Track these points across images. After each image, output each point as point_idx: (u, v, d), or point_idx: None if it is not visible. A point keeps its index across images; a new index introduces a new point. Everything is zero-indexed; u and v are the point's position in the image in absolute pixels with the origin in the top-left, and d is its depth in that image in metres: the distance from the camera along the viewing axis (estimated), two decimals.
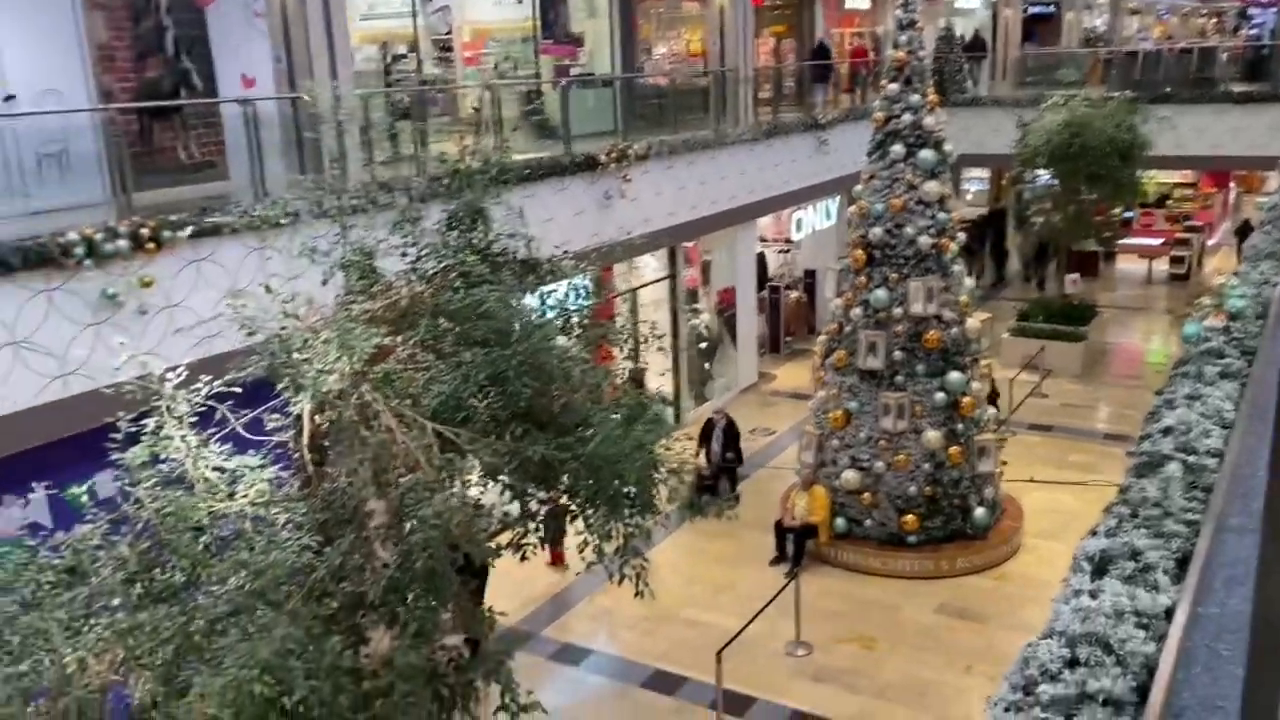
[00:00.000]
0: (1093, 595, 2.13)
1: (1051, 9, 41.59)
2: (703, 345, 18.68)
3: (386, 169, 12.05)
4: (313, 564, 4.19)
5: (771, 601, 11.08)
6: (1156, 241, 28.13)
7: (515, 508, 4.99)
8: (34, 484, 8.40)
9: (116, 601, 4.10)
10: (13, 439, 7.99)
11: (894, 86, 12.33)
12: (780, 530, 12.75)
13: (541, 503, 4.81)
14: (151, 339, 8.84)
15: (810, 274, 22.36)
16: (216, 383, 4.72)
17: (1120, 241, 27.48)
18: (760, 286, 21.60)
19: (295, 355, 4.35)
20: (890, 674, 10.60)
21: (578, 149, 14.27)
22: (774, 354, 21.58)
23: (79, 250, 8.17)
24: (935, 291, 12.17)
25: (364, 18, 20.65)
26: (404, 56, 16.45)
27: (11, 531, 8.15)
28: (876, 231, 12.33)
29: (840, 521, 12.78)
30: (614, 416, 4.79)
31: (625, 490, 4.53)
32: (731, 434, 14.71)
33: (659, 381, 17.58)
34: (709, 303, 19.05)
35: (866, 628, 11.45)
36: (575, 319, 5.88)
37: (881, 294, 12.32)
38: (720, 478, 14.53)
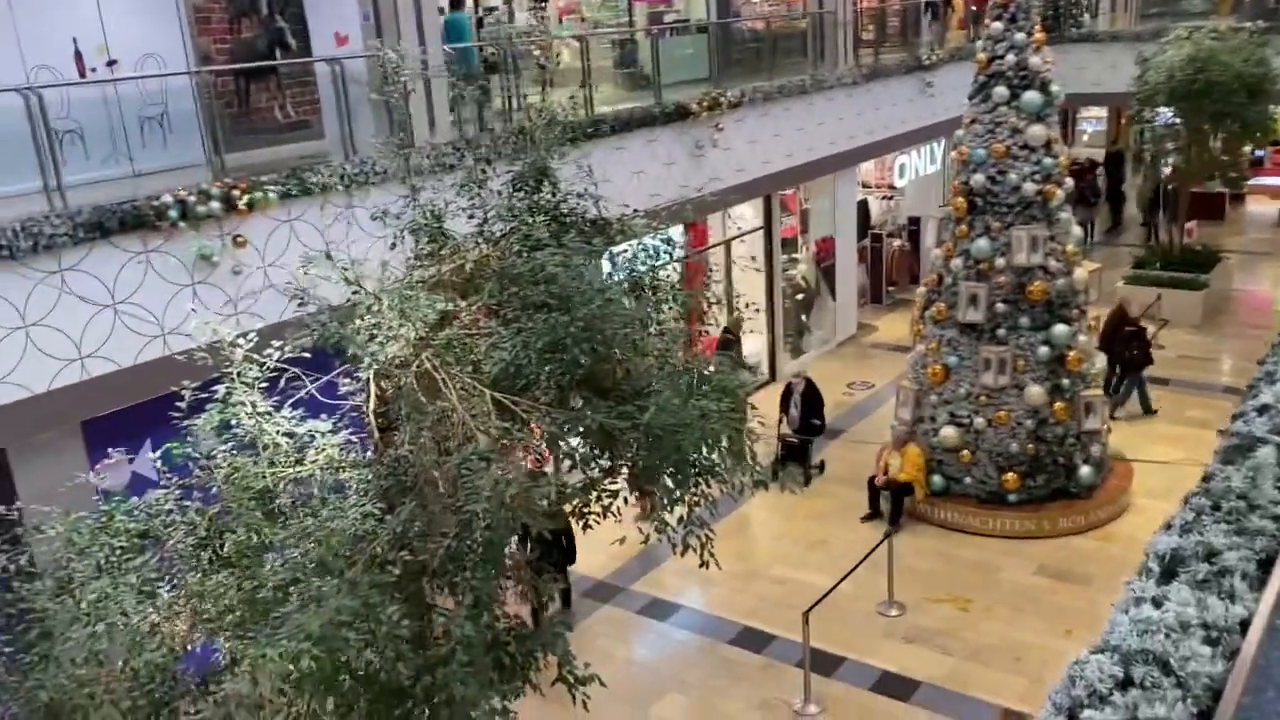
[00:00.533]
0: (1156, 603, 1.92)
1: None
2: (800, 297, 18.32)
3: (474, 126, 12.09)
4: (375, 531, 4.20)
5: (864, 560, 10.87)
6: None
7: (577, 475, 4.93)
8: (142, 440, 8.72)
9: (188, 566, 4.20)
10: (118, 396, 8.30)
11: (997, 25, 11.69)
12: (874, 488, 12.49)
13: (604, 471, 4.73)
14: (247, 300, 9.07)
15: (914, 221, 21.66)
16: (281, 349, 4.75)
17: (1249, 182, 25.91)
18: (862, 235, 21.04)
19: (354, 324, 4.33)
20: (985, 636, 10.32)
21: (671, 98, 14.02)
22: (875, 305, 21.05)
23: (173, 213, 8.37)
24: (1040, 241, 11.61)
25: None
26: (495, 9, 16.39)
27: (122, 486, 8.51)
28: (978, 178, 11.79)
29: (938, 479, 12.44)
30: (680, 383, 4.65)
31: (689, 459, 4.40)
32: (813, 398, 14.09)
33: (753, 337, 17.38)
34: (807, 253, 18.63)
35: (962, 588, 11.16)
36: (648, 280, 5.68)
37: (983, 244, 11.82)
38: (804, 445, 13.98)
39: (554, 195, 5.46)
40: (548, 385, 4.44)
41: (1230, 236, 24.54)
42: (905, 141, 19.53)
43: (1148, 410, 14.77)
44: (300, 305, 4.66)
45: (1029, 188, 11.62)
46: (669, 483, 4.52)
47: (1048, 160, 11.68)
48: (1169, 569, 2.05)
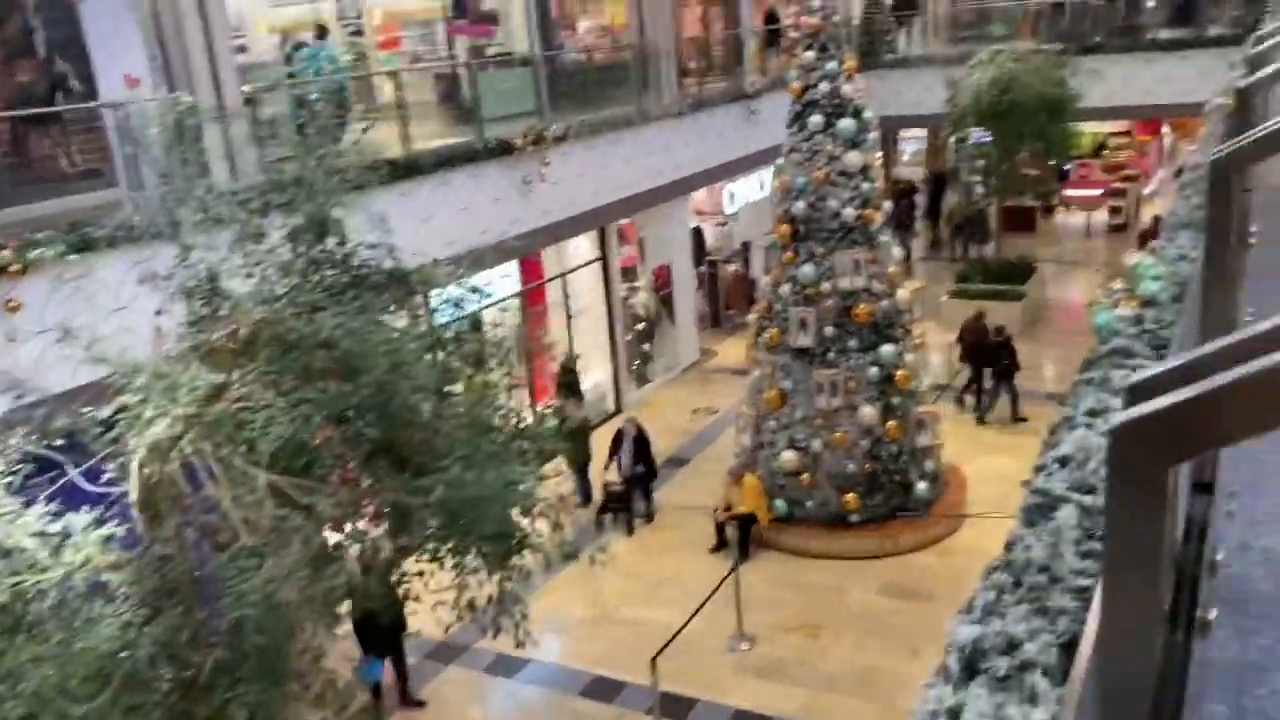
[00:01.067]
0: (953, 715, 1.72)
1: None
2: (641, 326, 18.23)
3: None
4: (136, 641, 3.69)
5: (711, 596, 10.73)
6: (1094, 192, 28.03)
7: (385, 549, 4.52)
8: None
9: None
10: None
11: (809, 54, 11.87)
12: (719, 521, 12.39)
13: (400, 550, 4.33)
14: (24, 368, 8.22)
15: (748, 247, 21.96)
16: (27, 437, 4.17)
17: (1067, 194, 27.46)
18: (698, 262, 21.18)
19: (117, 402, 3.83)
20: (835, 663, 10.30)
21: (498, 132, 13.71)
22: (716, 329, 21.20)
23: None
24: (863, 264, 11.80)
25: (274, 4, 19.86)
26: (303, 45, 15.77)
27: None
28: (800, 206, 11.91)
29: (781, 504, 12.44)
30: (489, 447, 4.31)
31: (495, 532, 4.07)
32: (642, 444, 13.53)
33: (597, 369, 17.17)
34: (645, 282, 18.57)
35: (811, 614, 11.14)
36: (453, 334, 5.31)
37: (809, 269, 11.92)
38: (632, 492, 13.39)
39: (342, 246, 5.04)
40: (333, 462, 4.02)
41: (1043, 247, 25.82)
42: (734, 169, 19.77)
43: (1017, 418, 15.25)
44: (17, 398, 4.09)
45: (849, 213, 11.80)
46: (479, 558, 4.17)
47: (866, 185, 11.90)
48: (969, 665, 1.86)
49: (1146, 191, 29.28)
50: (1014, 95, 18.00)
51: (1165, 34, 22.31)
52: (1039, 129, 18.41)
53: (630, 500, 13.37)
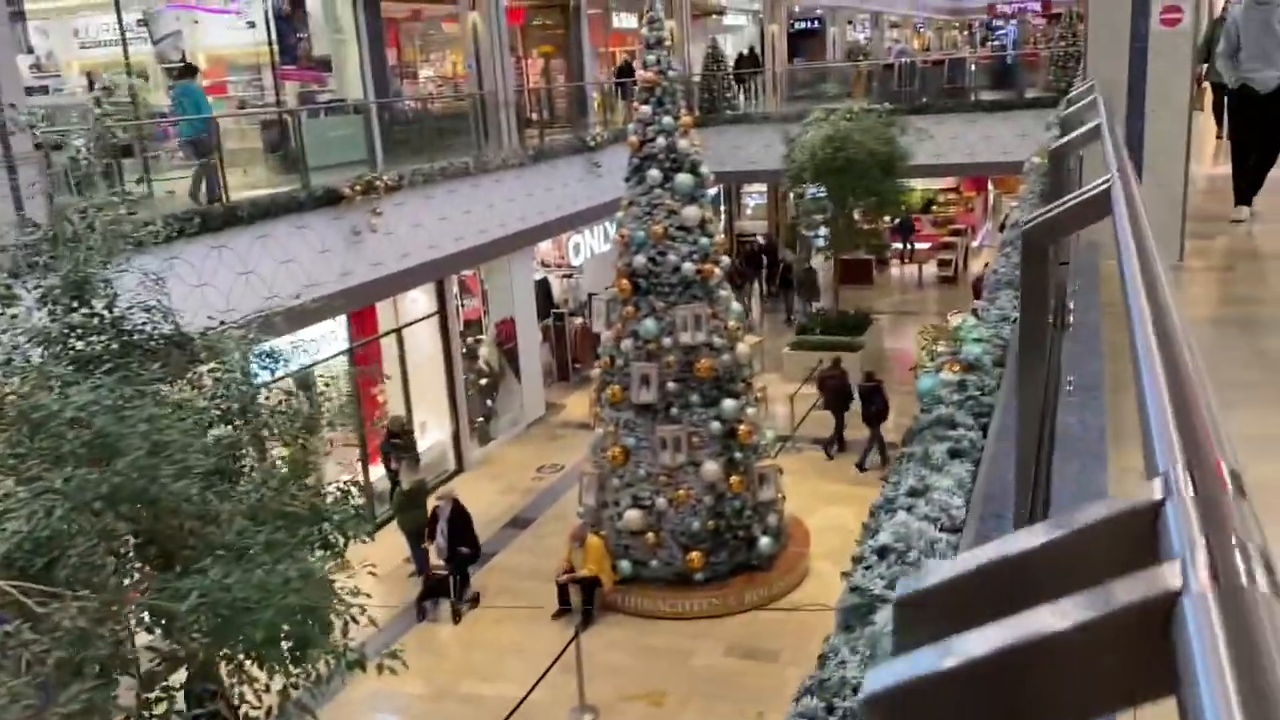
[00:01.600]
0: None
1: (816, 25, 43.05)
2: (483, 381, 17.73)
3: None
4: None
5: (553, 665, 10.27)
6: (924, 246, 29.22)
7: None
8: None
9: None
10: None
11: (645, 108, 11.82)
12: (561, 584, 11.97)
13: (165, 659, 3.78)
14: None
15: (591, 299, 21.80)
16: None
17: (919, 248, 28.51)
18: (545, 314, 20.88)
19: None
20: None
21: (331, 180, 13.12)
22: (563, 383, 20.87)
23: None
24: (703, 319, 11.72)
25: (84, 46, 18.73)
26: (108, 89, 14.90)
27: None
28: (640, 260, 11.77)
29: (626, 564, 12.12)
30: (261, 541, 3.81)
31: (264, 640, 3.57)
32: (460, 522, 12.32)
33: (436, 427, 16.55)
34: (488, 335, 18.12)
35: (656, 680, 10.79)
36: (243, 407, 4.78)
37: (650, 324, 11.76)
38: (451, 575, 12.23)
39: (110, 311, 4.47)
40: (79, 561, 3.46)
41: (880, 299, 26.69)
42: (578, 221, 19.64)
43: (886, 462, 15.35)
44: None
45: (688, 267, 11.72)
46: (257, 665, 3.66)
47: (704, 240, 11.86)
48: None
49: (974, 245, 30.75)
50: (847, 153, 18.51)
51: (987, 95, 23.55)
52: (871, 185, 18.98)
53: (460, 585, 12.30)
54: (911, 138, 19.61)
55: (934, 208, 31.70)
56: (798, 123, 20.75)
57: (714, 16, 35.81)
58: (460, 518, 12.37)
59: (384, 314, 15.87)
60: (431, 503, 12.75)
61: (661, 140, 11.75)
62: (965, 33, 68.63)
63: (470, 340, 18.10)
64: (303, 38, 17.00)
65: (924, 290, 27.81)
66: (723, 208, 29.44)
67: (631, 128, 12.03)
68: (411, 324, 15.99)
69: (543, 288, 21.76)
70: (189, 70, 13.88)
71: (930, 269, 28.41)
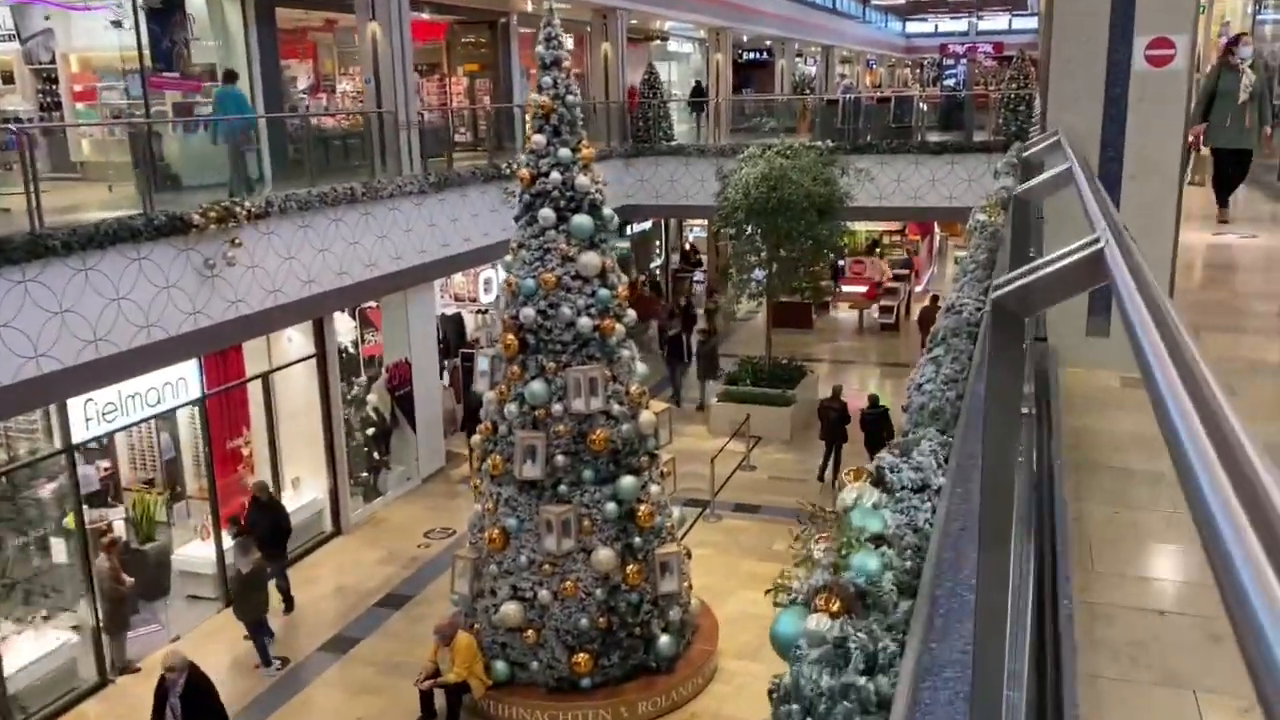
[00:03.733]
0: None
1: (765, 56, 42.02)
2: (370, 430, 15.93)
3: None
4: None
5: None
6: (865, 289, 27.98)
7: None
8: None
9: None
10: None
11: (539, 138, 10.22)
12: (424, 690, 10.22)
13: None
14: None
15: (477, 351, 20.10)
16: None
17: (844, 290, 27.23)
18: (454, 353, 19.17)
19: None
20: None
21: (191, 202, 11.42)
22: (470, 430, 19.09)
23: None
24: (599, 383, 10.10)
25: None
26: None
27: None
28: (528, 312, 10.13)
29: (501, 666, 10.41)
30: None
31: None
32: (197, 698, 9.03)
33: (312, 483, 14.73)
34: (379, 380, 16.34)
35: None
36: None
37: (538, 387, 10.11)
38: None
39: None
40: None
41: (819, 344, 25.34)
42: (490, 255, 17.94)
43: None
44: None
45: (584, 323, 10.11)
46: None
47: (604, 292, 10.26)
48: None
49: (919, 289, 29.57)
50: (782, 193, 17.11)
51: (934, 137, 22.35)
52: (808, 227, 17.59)
53: None
54: (851, 178, 18.29)
55: (877, 250, 30.50)
56: (732, 157, 19.38)
57: (656, 42, 34.56)
58: (197, 695, 9.05)
59: (257, 355, 14.08)
60: (164, 671, 9.11)
61: (556, 175, 10.15)
62: (918, 70, 68.47)
63: (360, 383, 16.34)
64: (180, 43, 15.18)
65: (865, 337, 26.49)
66: (658, 242, 28.01)
67: (523, 159, 10.42)
68: (277, 370, 14.16)
69: (455, 324, 20.06)
70: (230, 76, 14.33)
71: (873, 314, 27.13)
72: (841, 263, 28.01)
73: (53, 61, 16.82)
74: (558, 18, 10.16)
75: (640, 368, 10.74)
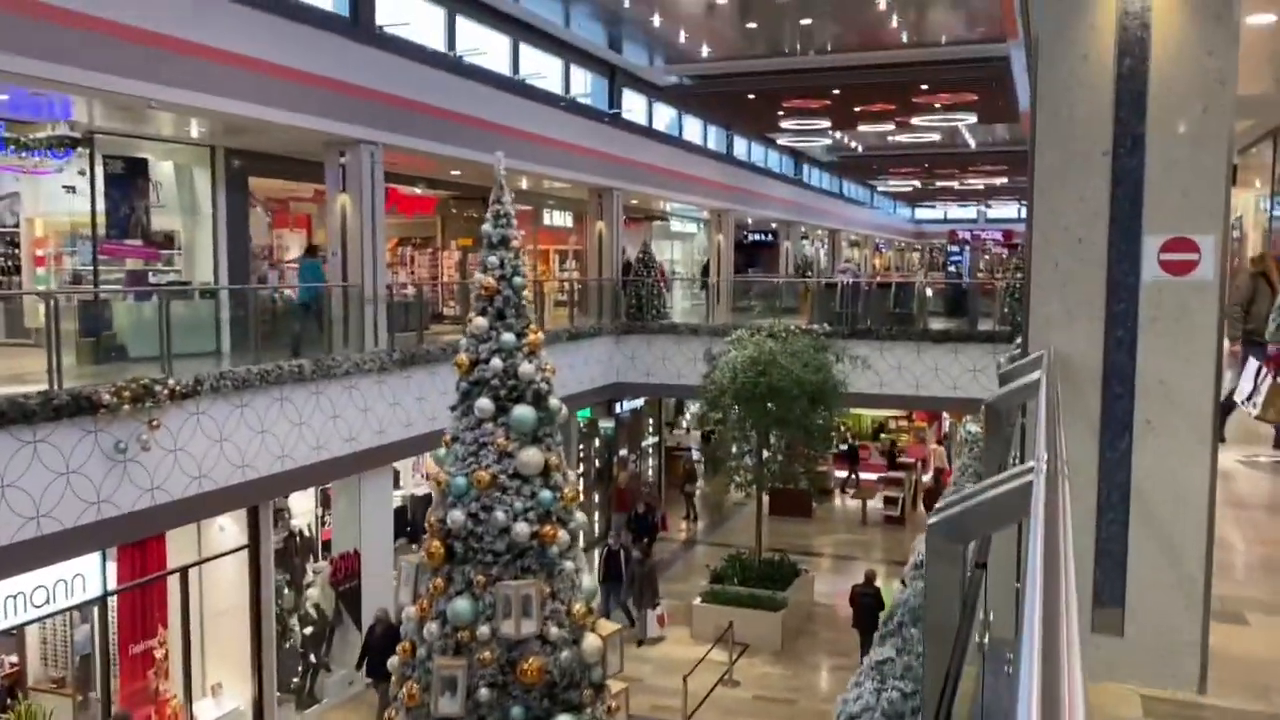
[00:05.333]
0: None
1: (770, 237, 42.08)
2: (308, 630, 14.40)
3: None
4: None
5: None
6: (870, 477, 26.63)
7: None
8: None
9: None
10: None
11: (481, 321, 9.17)
12: None
13: None
14: None
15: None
16: None
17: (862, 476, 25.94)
18: (415, 539, 17.76)
19: None
20: None
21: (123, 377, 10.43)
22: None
23: None
24: (535, 601, 8.69)
25: None
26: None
27: None
28: (456, 515, 8.82)
29: None
30: None
31: None
32: None
33: (235, 689, 13.13)
34: (321, 574, 14.92)
35: None
36: None
37: (463, 605, 8.69)
38: None
39: None
40: None
41: (819, 536, 23.81)
42: None
43: None
44: None
45: (521, 530, 8.77)
46: None
47: (546, 494, 8.96)
48: None
49: (925, 479, 28.15)
50: (771, 378, 16.05)
51: (937, 324, 21.47)
52: (800, 415, 16.44)
53: None
54: (847, 365, 17.27)
55: (883, 435, 29.26)
56: (721, 338, 18.47)
57: (658, 222, 34.52)
58: None
59: (185, 544, 12.77)
60: None
61: (497, 361, 9.03)
62: (928, 255, 69.00)
63: (318, 568, 14.94)
64: (139, 210, 14.57)
65: (868, 529, 24.91)
66: (650, 420, 26.93)
67: (462, 343, 9.36)
68: (202, 562, 12.80)
69: (424, 504, 18.74)
70: (312, 250, 16.39)
71: (876, 504, 25.65)
72: (845, 446, 26.82)
73: (17, 225, 16.28)
74: (509, 193, 9.30)
75: (587, 582, 9.34)
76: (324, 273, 15.17)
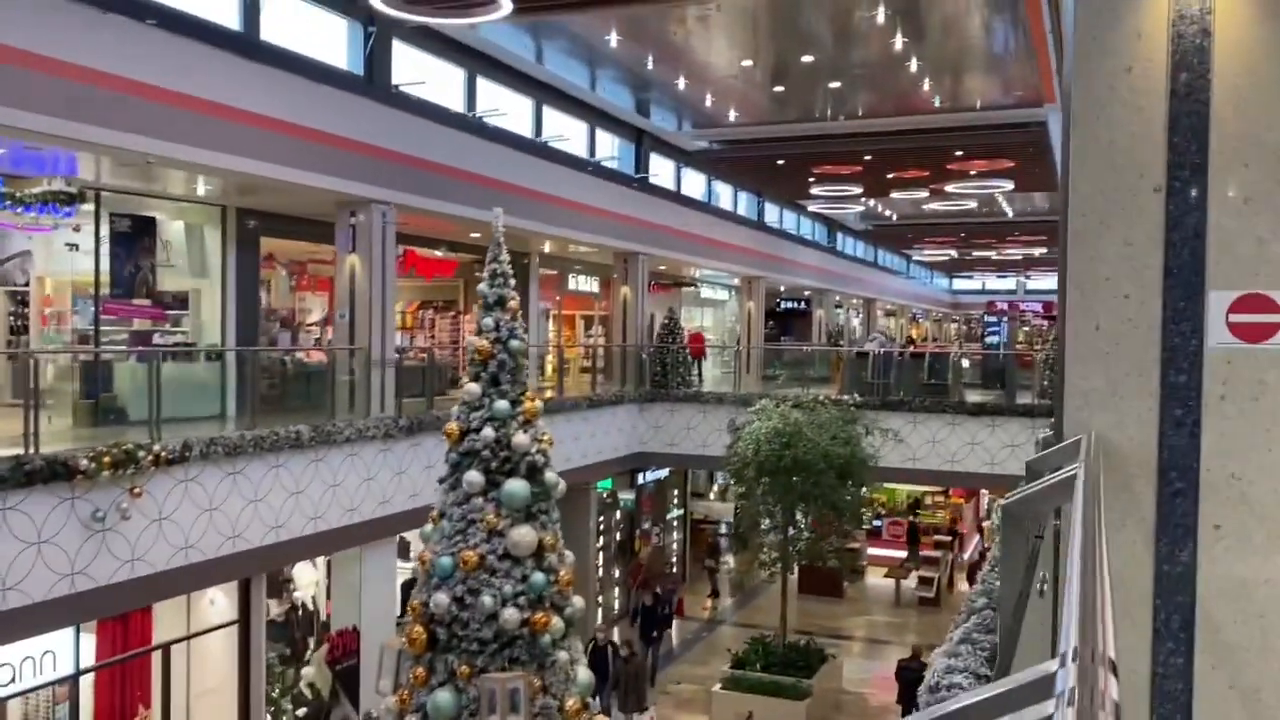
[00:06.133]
0: None
1: (804, 305, 41.46)
2: (302, 712, 13.63)
3: None
4: None
5: None
6: (903, 554, 25.52)
7: None
8: None
9: None
10: None
11: (473, 387, 8.59)
12: None
13: None
14: None
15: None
16: None
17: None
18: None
19: None
20: None
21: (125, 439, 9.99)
22: None
23: None
24: (522, 695, 7.93)
25: None
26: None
27: None
28: (440, 599, 8.14)
29: None
30: None
31: None
32: None
33: None
34: (318, 652, 14.19)
35: None
36: None
37: (445, 699, 7.97)
38: None
39: None
40: None
41: (850, 617, 22.73)
42: None
43: None
44: None
45: (510, 616, 8.06)
46: None
47: (538, 577, 8.26)
48: None
49: (964, 558, 26.97)
50: (797, 451, 15.27)
51: (973, 397, 20.59)
52: (825, 492, 15.61)
53: None
54: (877, 439, 16.46)
55: (919, 511, 28.15)
56: (745, 407, 17.76)
57: (688, 288, 34.04)
58: None
59: (174, 617, 12.15)
60: None
61: (489, 431, 8.42)
62: (964, 326, 67.95)
63: (310, 646, 14.24)
64: (145, 269, 14.25)
65: (902, 611, 23.76)
66: (675, 492, 26.10)
67: (454, 412, 8.75)
68: (185, 638, 12.14)
69: (403, 589, 18.01)
70: None
71: (910, 583, 24.52)
72: (878, 522, 25.87)
73: (27, 284, 16.05)
74: (505, 251, 8.79)
75: (582, 675, 8.56)
76: None
